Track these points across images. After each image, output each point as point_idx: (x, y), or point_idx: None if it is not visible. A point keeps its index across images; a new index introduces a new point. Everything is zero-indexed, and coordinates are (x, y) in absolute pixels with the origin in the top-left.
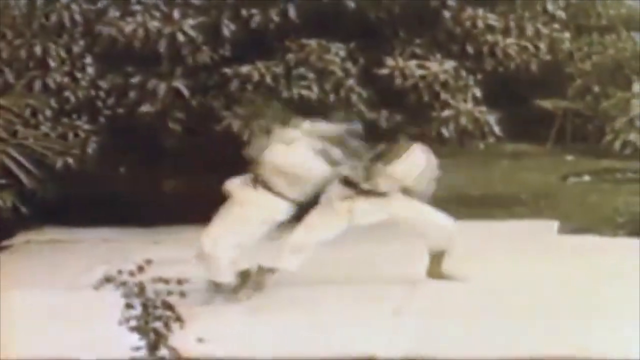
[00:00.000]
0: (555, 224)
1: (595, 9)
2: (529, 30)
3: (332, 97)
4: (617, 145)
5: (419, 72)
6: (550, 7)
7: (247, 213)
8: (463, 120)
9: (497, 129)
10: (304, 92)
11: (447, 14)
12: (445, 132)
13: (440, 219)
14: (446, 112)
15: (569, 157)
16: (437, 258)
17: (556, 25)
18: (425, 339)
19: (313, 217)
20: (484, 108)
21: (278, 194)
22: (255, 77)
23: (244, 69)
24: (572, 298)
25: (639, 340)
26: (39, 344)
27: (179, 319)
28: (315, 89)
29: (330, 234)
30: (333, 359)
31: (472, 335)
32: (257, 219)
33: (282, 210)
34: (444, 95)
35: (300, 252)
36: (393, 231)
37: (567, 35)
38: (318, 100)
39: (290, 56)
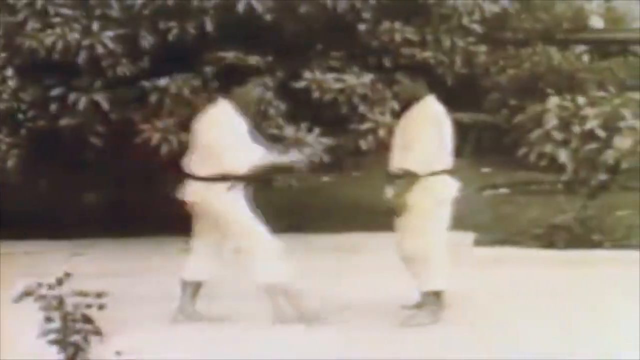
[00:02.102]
0: (470, 236)
1: (511, 23)
2: (445, 44)
3: None
4: (532, 157)
5: (337, 85)
6: (465, 21)
7: None
8: (381, 133)
9: None
10: None
11: (363, 27)
12: (363, 144)
13: None
14: (365, 125)
15: (485, 170)
16: None
17: (471, 39)
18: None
19: None
20: None
21: None
22: (173, 89)
23: (162, 81)
24: (484, 310)
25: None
26: None
27: (97, 332)
28: None
29: None
30: None
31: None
32: None
33: None
34: (362, 108)
35: None
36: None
37: (482, 48)
38: None
39: (208, 69)
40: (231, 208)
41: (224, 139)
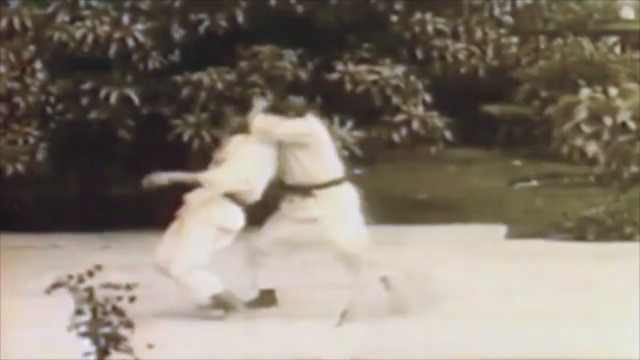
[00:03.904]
0: (502, 229)
1: (542, 14)
2: (477, 35)
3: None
4: (563, 150)
5: (370, 77)
6: (496, 12)
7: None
8: (415, 125)
9: (448, 134)
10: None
11: (395, 18)
12: (396, 136)
13: None
14: (398, 117)
15: (517, 162)
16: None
17: (503, 30)
18: (371, 342)
19: None
20: (434, 113)
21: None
22: (207, 83)
23: (195, 75)
24: (517, 303)
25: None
26: None
27: (129, 324)
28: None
29: None
30: None
31: (420, 338)
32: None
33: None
34: (395, 100)
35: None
36: None
37: (514, 40)
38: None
39: (244, 63)
40: None
41: None
